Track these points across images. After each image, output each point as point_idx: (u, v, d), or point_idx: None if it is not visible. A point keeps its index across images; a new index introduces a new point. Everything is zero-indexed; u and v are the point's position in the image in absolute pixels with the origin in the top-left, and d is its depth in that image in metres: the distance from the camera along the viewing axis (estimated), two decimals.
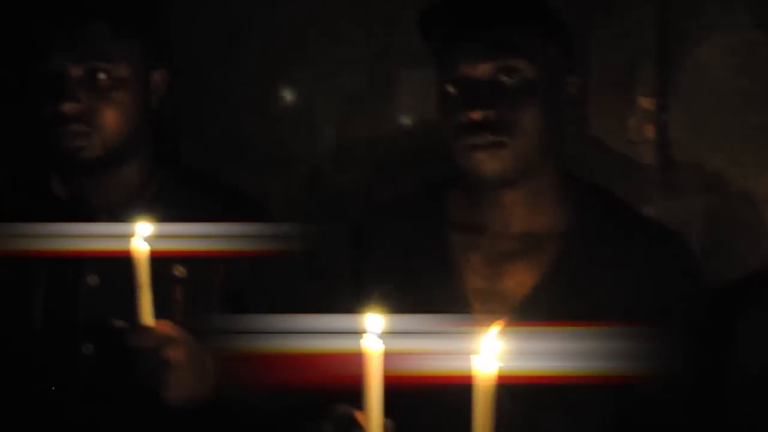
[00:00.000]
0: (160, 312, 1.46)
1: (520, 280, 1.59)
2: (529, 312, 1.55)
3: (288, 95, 2.22)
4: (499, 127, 1.52)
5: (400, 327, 1.21)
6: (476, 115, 1.52)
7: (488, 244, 1.62)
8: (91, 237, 1.57)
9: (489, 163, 1.54)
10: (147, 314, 1.42)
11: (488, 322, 1.12)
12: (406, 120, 2.13)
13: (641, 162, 1.91)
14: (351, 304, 1.67)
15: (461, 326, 1.45)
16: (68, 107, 1.60)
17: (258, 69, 2.22)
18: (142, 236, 1.42)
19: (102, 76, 1.64)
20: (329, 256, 1.75)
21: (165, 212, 1.65)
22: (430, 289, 1.63)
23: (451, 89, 1.57)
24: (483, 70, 1.54)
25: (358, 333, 1.14)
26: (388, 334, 1.13)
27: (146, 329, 1.42)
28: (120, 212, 1.69)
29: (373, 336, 1.13)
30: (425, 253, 1.66)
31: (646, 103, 1.89)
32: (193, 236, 1.59)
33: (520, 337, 1.22)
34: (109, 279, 1.65)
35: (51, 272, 1.66)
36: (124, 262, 1.45)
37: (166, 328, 1.46)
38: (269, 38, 2.21)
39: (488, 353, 1.05)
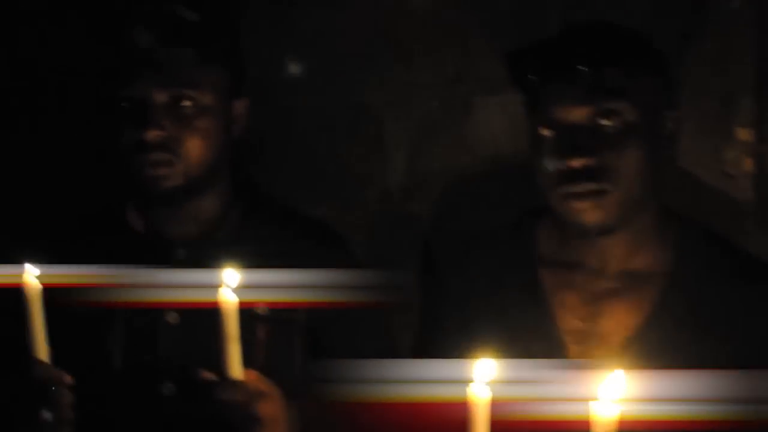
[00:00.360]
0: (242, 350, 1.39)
1: (621, 320, 1.52)
2: (634, 354, 1.49)
3: (360, 120, 2.17)
4: (600, 174, 1.45)
5: (505, 373, 1.15)
6: (576, 163, 1.45)
7: (583, 282, 1.55)
8: (175, 286, 1.51)
9: (590, 213, 1.47)
10: (236, 366, 1.36)
11: (601, 365, 1.09)
12: (481, 147, 2.07)
13: (738, 196, 1.84)
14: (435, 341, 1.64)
15: (573, 369, 1.38)
16: (152, 134, 1.55)
17: (330, 93, 2.16)
18: (230, 286, 1.36)
19: (187, 103, 1.58)
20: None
21: (244, 246, 1.63)
22: (520, 327, 1.56)
23: (546, 132, 1.49)
24: (580, 114, 1.47)
25: (460, 380, 1.08)
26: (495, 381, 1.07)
27: (236, 383, 1.36)
28: (198, 246, 1.65)
29: (481, 383, 1.07)
30: (514, 288, 1.59)
31: (743, 134, 1.81)
32: (279, 286, 1.52)
33: (639, 381, 1.16)
34: (190, 316, 1.59)
35: (129, 310, 1.60)
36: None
37: (256, 381, 1.40)
38: (341, 63, 2.16)
39: (608, 398, 1.00)
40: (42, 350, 1.39)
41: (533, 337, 1.55)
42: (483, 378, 1.08)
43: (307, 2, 2.16)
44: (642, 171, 1.47)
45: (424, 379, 1.34)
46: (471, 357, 1.10)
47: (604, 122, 1.46)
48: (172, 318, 1.60)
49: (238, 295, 1.35)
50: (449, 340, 1.62)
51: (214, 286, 1.35)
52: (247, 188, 1.74)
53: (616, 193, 1.46)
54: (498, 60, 2.02)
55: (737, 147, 1.82)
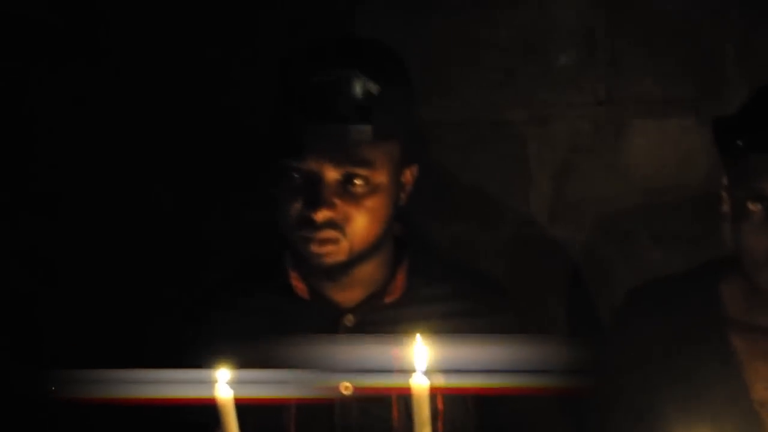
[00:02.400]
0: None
1: None
2: None
3: (501, 137, 2.06)
4: None
5: None
6: None
7: None
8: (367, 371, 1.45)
9: None
10: None
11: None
12: (635, 174, 1.95)
13: None
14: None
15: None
16: (322, 215, 1.48)
17: (470, 108, 2.06)
18: (422, 374, 1.28)
19: (359, 182, 1.50)
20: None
21: (409, 309, 1.60)
22: (709, 395, 1.48)
23: (753, 207, 1.39)
24: None
25: None
26: None
27: None
28: (365, 312, 1.60)
29: None
30: (700, 352, 1.50)
31: None
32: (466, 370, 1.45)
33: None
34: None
35: None
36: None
37: None
38: (483, 77, 2.05)
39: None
40: None
41: (723, 407, 1.47)
42: None
43: (448, 13, 2.05)
44: None
45: None
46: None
47: None
48: (345, 389, 1.53)
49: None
50: (628, 400, 1.55)
51: (405, 371, 1.28)
52: (409, 245, 1.67)
53: None
54: (655, 81, 1.92)
55: None
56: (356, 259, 1.54)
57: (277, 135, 1.52)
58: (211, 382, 1.26)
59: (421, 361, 1.30)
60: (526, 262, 2.08)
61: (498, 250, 2.08)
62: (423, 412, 1.30)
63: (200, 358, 1.50)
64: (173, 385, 1.45)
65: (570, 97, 1.99)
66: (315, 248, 1.50)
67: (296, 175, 1.50)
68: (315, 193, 1.48)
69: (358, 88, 1.47)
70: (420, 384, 1.29)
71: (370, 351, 1.47)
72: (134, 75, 2.07)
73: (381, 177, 1.51)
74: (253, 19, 2.07)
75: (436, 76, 2.06)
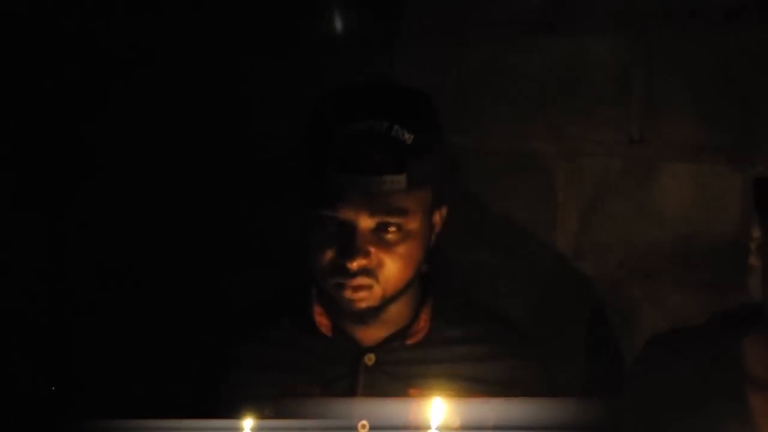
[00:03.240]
0: None
1: None
2: None
3: (529, 168, 2.05)
4: None
5: None
6: None
7: None
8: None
9: None
10: None
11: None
12: (664, 216, 1.94)
13: None
14: None
15: None
16: (357, 263, 1.50)
17: (500, 138, 2.05)
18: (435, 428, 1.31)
19: (392, 229, 1.52)
20: None
21: (431, 351, 1.64)
22: None
23: None
24: None
25: None
26: None
27: None
28: (388, 351, 1.62)
29: None
30: (718, 408, 1.49)
31: None
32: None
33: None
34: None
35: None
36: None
37: None
38: (514, 107, 2.03)
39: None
40: None
41: None
42: None
43: (485, 41, 2.04)
44: None
45: None
46: None
47: None
48: (362, 427, 1.56)
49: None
50: None
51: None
52: (433, 284, 1.69)
53: None
54: (690, 124, 1.90)
55: None
56: (387, 302, 1.56)
57: (310, 184, 1.53)
58: None
59: (436, 419, 1.32)
60: (550, 294, 2.07)
61: (522, 279, 2.08)
62: None
63: (229, 397, 1.54)
64: None
65: (602, 133, 1.97)
66: (348, 294, 1.53)
67: (330, 224, 1.51)
68: (350, 242, 1.50)
69: (391, 138, 1.49)
70: None
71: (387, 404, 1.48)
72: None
73: (414, 223, 1.53)
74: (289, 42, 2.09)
75: (469, 103, 2.06)
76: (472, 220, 2.09)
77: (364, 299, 1.54)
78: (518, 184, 2.07)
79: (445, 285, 1.73)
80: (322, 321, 1.64)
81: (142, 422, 1.51)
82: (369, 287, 1.53)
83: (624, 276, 1.97)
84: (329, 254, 1.53)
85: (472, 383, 1.61)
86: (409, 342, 1.63)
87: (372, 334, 1.63)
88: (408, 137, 1.49)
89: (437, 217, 1.62)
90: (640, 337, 1.90)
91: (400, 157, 1.49)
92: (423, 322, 1.64)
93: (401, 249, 1.53)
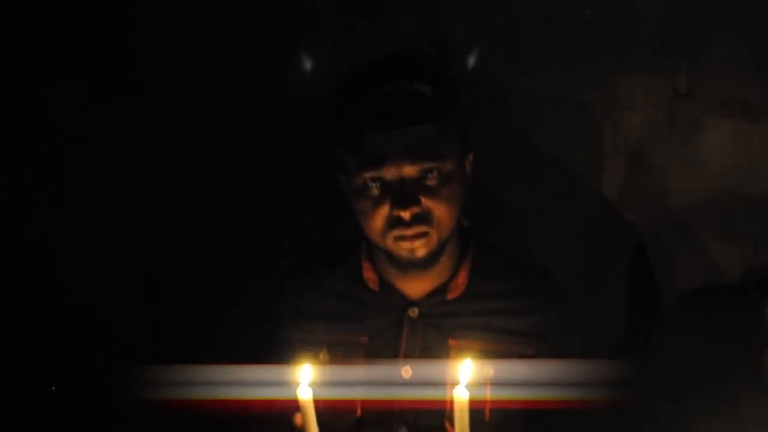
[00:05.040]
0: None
1: None
2: None
3: (579, 117, 2.10)
4: None
5: None
6: None
7: None
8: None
9: None
10: None
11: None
12: (707, 169, 1.97)
13: None
14: None
15: None
16: (411, 211, 1.62)
17: (551, 86, 2.10)
18: (464, 383, 1.41)
19: (433, 174, 1.64)
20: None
21: (469, 306, 1.75)
22: (741, 415, 1.55)
23: None
24: None
25: None
26: None
27: None
28: (429, 306, 1.74)
29: None
30: (738, 378, 1.57)
31: None
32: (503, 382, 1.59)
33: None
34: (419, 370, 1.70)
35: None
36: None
37: None
38: (563, 55, 2.07)
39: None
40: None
41: (753, 420, 1.53)
42: None
43: None
44: None
45: None
46: None
47: None
48: (405, 372, 1.70)
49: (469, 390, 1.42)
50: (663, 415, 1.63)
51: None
52: (473, 240, 1.79)
53: None
54: (736, 81, 1.92)
55: None
56: (441, 249, 1.68)
57: (350, 155, 1.63)
58: (290, 383, 1.46)
59: (464, 376, 1.43)
60: (594, 239, 2.14)
61: (568, 222, 2.15)
62: (463, 420, 1.43)
63: (280, 342, 1.68)
64: (253, 386, 1.60)
65: (649, 86, 1.99)
66: (408, 244, 1.65)
67: (376, 184, 1.63)
68: (400, 194, 1.62)
69: (414, 93, 1.62)
70: (460, 397, 1.42)
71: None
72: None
73: (450, 165, 1.65)
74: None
75: (521, 50, 2.10)
76: (523, 163, 2.15)
77: (424, 246, 1.65)
78: (568, 131, 2.11)
79: (485, 241, 1.82)
80: (370, 276, 1.77)
81: (208, 368, 1.65)
82: (426, 234, 1.65)
83: (664, 227, 2.02)
84: (383, 211, 1.64)
85: (507, 335, 1.72)
86: (450, 297, 1.74)
87: (415, 289, 1.75)
88: (428, 89, 1.63)
89: (467, 163, 1.74)
90: (677, 288, 1.97)
91: (426, 108, 1.62)
92: (462, 278, 1.75)
93: (445, 192, 1.65)
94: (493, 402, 1.66)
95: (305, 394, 1.50)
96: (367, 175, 1.64)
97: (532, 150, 2.15)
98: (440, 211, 1.65)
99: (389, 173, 1.63)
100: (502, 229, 2.14)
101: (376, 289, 1.77)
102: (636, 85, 2.02)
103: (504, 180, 2.17)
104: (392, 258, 1.69)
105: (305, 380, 1.50)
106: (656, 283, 2.05)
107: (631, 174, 2.06)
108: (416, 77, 1.64)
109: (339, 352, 1.73)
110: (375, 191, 1.65)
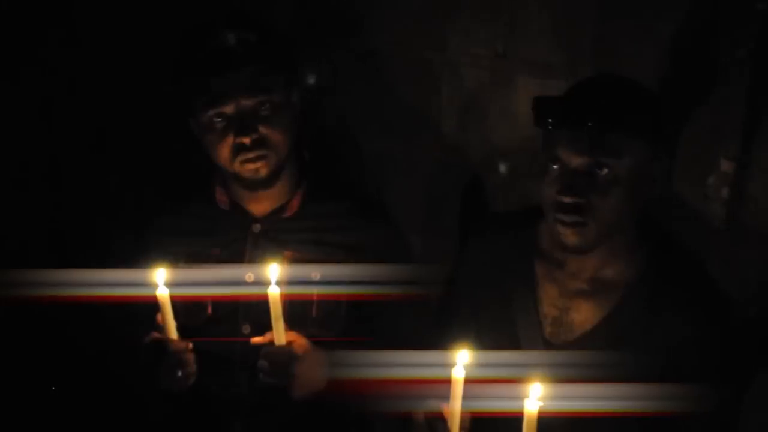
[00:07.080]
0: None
1: (586, 315, 1.89)
2: (590, 344, 1.86)
3: (421, 74, 2.46)
4: None
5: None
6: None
7: (563, 279, 1.91)
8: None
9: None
10: (280, 338, 1.87)
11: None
12: (519, 123, 2.34)
13: (714, 216, 2.08)
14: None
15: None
16: (251, 137, 1.96)
17: (397, 46, 2.46)
18: (275, 282, 1.79)
19: (266, 106, 1.98)
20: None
21: (304, 222, 2.10)
22: (514, 310, 1.94)
23: (552, 166, 1.79)
24: None
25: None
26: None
27: (279, 349, 1.87)
28: (270, 222, 2.09)
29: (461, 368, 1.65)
30: (515, 274, 1.96)
31: (726, 165, 2.02)
32: (328, 282, 1.99)
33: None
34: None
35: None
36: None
37: (297, 347, 1.88)
38: (405, 21, 2.43)
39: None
40: (173, 331, 1.90)
41: (523, 320, 1.92)
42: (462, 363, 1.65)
43: None
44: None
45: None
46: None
47: None
48: (248, 277, 2.04)
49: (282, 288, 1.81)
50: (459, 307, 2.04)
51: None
52: (312, 169, 2.14)
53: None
54: (540, 45, 2.29)
55: (719, 176, 2.06)
56: (277, 170, 2.03)
57: (193, 96, 2.00)
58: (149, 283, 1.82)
59: (274, 276, 1.80)
60: (435, 176, 2.53)
61: (414, 163, 2.53)
62: (277, 311, 1.80)
63: (143, 251, 2.07)
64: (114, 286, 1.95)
65: (476, 48, 2.37)
66: (252, 165, 1.99)
67: (219, 119, 1.98)
68: (241, 124, 1.97)
69: (242, 40, 1.96)
70: (273, 292, 1.79)
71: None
72: None
73: (279, 98, 2.01)
74: None
75: (367, 13, 2.47)
76: (376, 113, 2.53)
77: (265, 166, 1.99)
78: (414, 87, 2.49)
79: (320, 168, 2.16)
80: (221, 198, 2.13)
81: (66, 272, 2.01)
82: (265, 156, 1.99)
83: (487, 164, 2.40)
84: (228, 140, 1.98)
85: (335, 248, 2.08)
86: (287, 215, 2.10)
87: (259, 208, 2.10)
88: (253, 36, 1.98)
89: (295, 97, 2.06)
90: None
91: (253, 51, 1.97)
92: (296, 200, 2.10)
93: (277, 120, 1.99)
94: (318, 297, 2.02)
95: (163, 292, 1.87)
96: (212, 112, 1.97)
97: (386, 102, 2.52)
98: (275, 136, 1.99)
99: (229, 108, 1.96)
100: (363, 168, 2.53)
101: (227, 208, 2.11)
102: (465, 47, 2.39)
103: (364, 128, 2.55)
104: (240, 179, 2.03)
105: (162, 280, 1.87)
106: (486, 211, 2.44)
107: (461, 124, 2.44)
108: (243, 27, 1.97)
109: (195, 261, 2.08)
110: (219, 125, 1.98)
